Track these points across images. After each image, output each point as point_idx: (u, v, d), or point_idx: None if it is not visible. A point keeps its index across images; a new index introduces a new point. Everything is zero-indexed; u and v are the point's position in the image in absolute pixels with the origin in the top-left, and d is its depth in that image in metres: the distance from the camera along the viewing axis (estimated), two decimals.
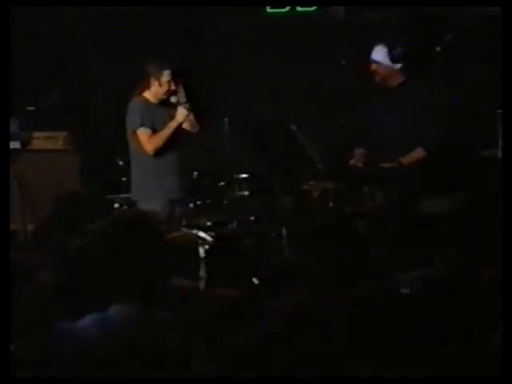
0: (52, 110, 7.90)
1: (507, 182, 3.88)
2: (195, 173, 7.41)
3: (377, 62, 6.88)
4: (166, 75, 6.95)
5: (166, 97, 7.04)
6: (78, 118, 8.10)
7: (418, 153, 6.83)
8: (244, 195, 7.22)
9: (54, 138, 7.75)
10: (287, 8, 8.07)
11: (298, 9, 8.03)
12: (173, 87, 6.98)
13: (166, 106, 7.01)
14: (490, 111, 7.31)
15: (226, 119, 7.11)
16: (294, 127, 7.09)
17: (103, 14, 8.14)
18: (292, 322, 2.87)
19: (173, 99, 7.12)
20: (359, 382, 2.61)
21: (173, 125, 6.86)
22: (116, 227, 3.26)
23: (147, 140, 6.85)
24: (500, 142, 7.22)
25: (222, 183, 7.24)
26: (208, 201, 7.24)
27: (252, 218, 7.02)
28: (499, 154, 7.21)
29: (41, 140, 7.65)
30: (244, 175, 7.20)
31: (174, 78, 7.04)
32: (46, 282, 3.45)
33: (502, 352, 2.71)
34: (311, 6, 8.09)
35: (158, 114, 6.94)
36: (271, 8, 8.14)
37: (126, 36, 8.23)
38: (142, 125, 6.81)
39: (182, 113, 6.92)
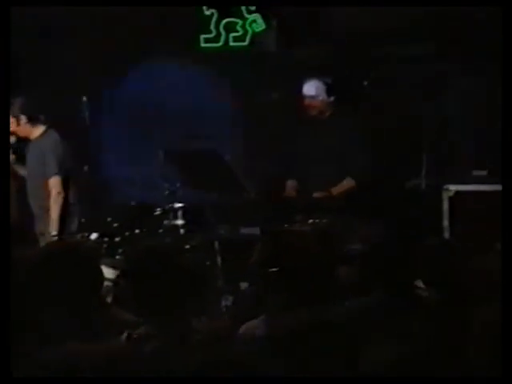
0: None
1: (507, 182, 3.99)
2: (132, 202, 7.49)
3: (311, 96, 7.04)
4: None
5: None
6: None
7: (348, 182, 6.98)
8: (178, 224, 7.20)
9: None
10: (221, 43, 8.19)
11: (231, 44, 8.16)
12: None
13: None
14: (416, 143, 7.53)
15: (161, 152, 7.13)
16: (227, 158, 7.11)
17: None
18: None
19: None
20: (359, 382, 2.60)
21: None
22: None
23: None
24: (423, 172, 7.49)
25: (157, 212, 7.19)
26: (144, 229, 7.17)
27: (187, 247, 6.95)
28: (423, 184, 7.49)
29: None
30: (179, 204, 7.18)
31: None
32: None
33: (502, 352, 2.67)
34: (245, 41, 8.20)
35: None
36: (205, 43, 8.23)
37: None
38: None
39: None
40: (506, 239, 3.63)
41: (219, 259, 6.83)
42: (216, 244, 6.89)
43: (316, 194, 7.01)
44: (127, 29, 8.08)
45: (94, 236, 7.08)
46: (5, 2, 4.56)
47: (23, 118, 7.34)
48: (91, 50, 8.33)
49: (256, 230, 6.97)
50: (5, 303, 3.12)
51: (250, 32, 8.24)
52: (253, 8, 8.18)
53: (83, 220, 7.43)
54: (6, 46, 4.47)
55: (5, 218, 3.97)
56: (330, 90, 7.14)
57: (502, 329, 2.76)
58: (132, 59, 8.29)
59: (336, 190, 7.00)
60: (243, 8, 8.17)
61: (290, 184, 7.18)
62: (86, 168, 7.58)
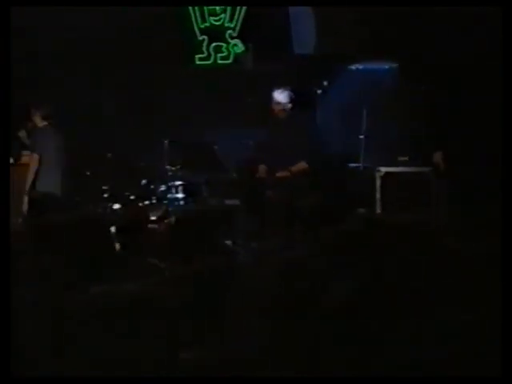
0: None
1: (507, 184, 3.69)
2: (144, 180, 8.10)
3: (278, 102, 7.67)
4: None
5: None
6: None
7: (302, 164, 7.60)
8: (179, 197, 7.86)
9: None
10: (211, 61, 9.05)
11: (219, 61, 9.03)
12: None
13: None
14: (355, 136, 8.24)
15: (166, 141, 7.92)
16: (215, 147, 7.97)
17: None
18: None
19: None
20: (359, 382, 2.37)
21: None
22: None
23: None
24: (361, 157, 8.12)
25: (162, 188, 7.92)
26: (153, 201, 7.83)
27: (185, 213, 6.87)
28: (361, 166, 8.20)
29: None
30: (179, 182, 7.89)
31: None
32: None
33: (502, 352, 2.44)
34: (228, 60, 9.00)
35: None
36: (199, 61, 9.10)
37: None
38: None
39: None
40: (506, 239, 3.16)
41: (208, 222, 6.52)
42: (207, 211, 6.58)
43: (279, 174, 7.57)
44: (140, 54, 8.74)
45: (116, 206, 7.79)
46: (5, 2, 4.12)
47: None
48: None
49: (236, 202, 7.60)
50: (5, 303, 2.75)
51: (232, 53, 9.14)
52: (235, 34, 9.08)
53: (108, 194, 7.88)
54: (6, 46, 4.03)
55: (5, 217, 3.40)
56: (291, 97, 7.64)
57: (502, 329, 2.51)
58: (145, 72, 8.84)
59: (293, 170, 7.54)
60: (227, 34, 9.08)
61: (262, 167, 7.77)
62: (109, 155, 8.35)
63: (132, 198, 7.93)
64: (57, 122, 7.97)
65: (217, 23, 9.11)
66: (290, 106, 7.69)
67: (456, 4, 7.44)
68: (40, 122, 8.00)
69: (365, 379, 2.36)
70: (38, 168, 7.90)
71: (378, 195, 7.99)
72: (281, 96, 7.70)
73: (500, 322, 2.52)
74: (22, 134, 8.10)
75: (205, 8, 9.07)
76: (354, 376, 2.36)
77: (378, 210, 7.87)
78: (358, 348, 2.44)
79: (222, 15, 9.08)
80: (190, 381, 2.35)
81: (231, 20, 9.10)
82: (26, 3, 7.64)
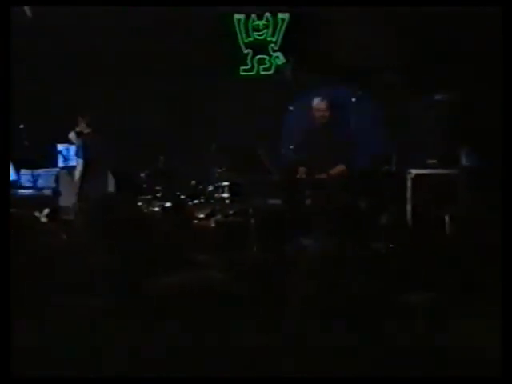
0: None
1: (507, 186, 3.58)
2: (193, 181, 8.52)
3: (316, 109, 7.99)
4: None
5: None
6: None
7: (340, 167, 7.91)
8: (225, 196, 8.18)
9: None
10: (254, 72, 9.43)
11: (261, 72, 9.41)
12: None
13: None
14: (389, 141, 8.54)
15: (214, 145, 8.27)
16: (260, 151, 8.09)
17: None
18: None
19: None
20: (359, 382, 2.27)
21: None
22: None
23: None
24: (394, 160, 8.31)
25: (210, 188, 8.29)
26: (202, 200, 8.25)
27: (230, 212, 7.79)
28: (393, 169, 8.41)
29: None
30: (225, 183, 8.19)
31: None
32: None
33: (502, 352, 2.35)
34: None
35: None
36: (243, 72, 9.48)
37: None
38: None
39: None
40: (506, 239, 3.06)
41: (252, 221, 6.85)
42: (250, 210, 7.23)
43: (318, 176, 7.81)
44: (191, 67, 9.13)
45: (167, 204, 8.10)
46: (5, 2, 4.02)
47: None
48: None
49: (278, 201, 7.81)
50: (5, 304, 2.64)
51: (274, 64, 9.52)
52: (276, 47, 9.47)
53: (160, 194, 8.31)
54: (6, 46, 3.92)
55: (4, 217, 3.27)
56: (328, 105, 7.96)
57: (502, 329, 2.43)
58: (195, 82, 9.15)
59: (332, 172, 7.82)
60: (269, 48, 9.48)
61: (301, 169, 7.99)
62: (162, 158, 8.73)
63: (182, 197, 8.36)
64: (102, 130, 8.45)
65: (260, 38, 9.55)
66: (327, 112, 7.95)
67: (456, 4, 7.58)
68: (85, 129, 8.53)
69: (365, 379, 2.25)
70: (83, 172, 8.42)
71: (408, 194, 8.14)
72: (319, 103, 7.98)
73: None
74: (72, 135, 8.60)
75: (249, 24, 9.51)
76: (353, 376, 2.25)
77: (409, 210, 8.04)
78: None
79: (265, 30, 9.52)
80: (190, 381, 2.24)
81: (273, 35, 9.51)
82: (26, 3, 7.88)
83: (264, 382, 2.23)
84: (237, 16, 9.45)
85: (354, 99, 8.72)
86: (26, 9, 8.37)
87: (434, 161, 8.40)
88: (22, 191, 8.63)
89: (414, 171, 8.21)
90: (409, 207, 8.10)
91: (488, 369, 2.24)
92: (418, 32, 8.43)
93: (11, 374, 2.34)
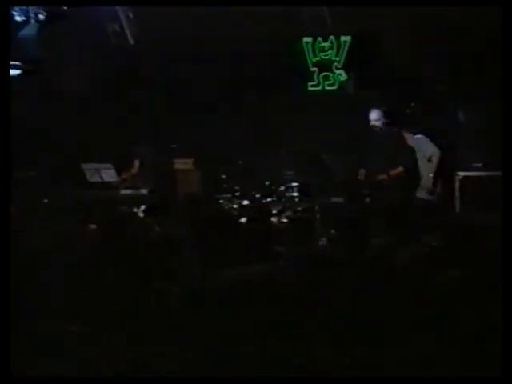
0: None
1: (507, 187, 3.46)
2: (267, 182, 9.19)
3: (374, 120, 8.47)
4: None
5: None
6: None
7: (399, 168, 8.35)
8: (294, 195, 8.72)
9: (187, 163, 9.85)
10: (320, 87, 10.05)
11: (326, 88, 10.03)
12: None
13: None
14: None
15: (285, 150, 8.98)
16: (324, 156, 8.81)
17: None
18: None
19: None
20: (360, 382, 2.14)
21: None
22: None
23: None
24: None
25: (282, 188, 8.87)
26: (274, 198, 8.79)
27: (299, 209, 8.34)
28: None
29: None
30: (295, 183, 8.76)
31: None
32: None
33: (502, 352, 2.26)
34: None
35: None
36: (310, 87, 10.11)
37: None
38: None
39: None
40: (506, 239, 2.87)
41: (318, 216, 7.84)
42: (316, 207, 7.97)
43: (379, 176, 8.25)
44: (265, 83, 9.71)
45: (245, 202, 8.73)
46: (5, 2, 3.86)
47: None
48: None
49: (341, 200, 8.13)
50: (5, 304, 2.48)
51: (337, 81, 10.10)
52: (339, 66, 9.97)
53: (239, 193, 8.85)
54: (6, 46, 3.76)
55: (4, 216, 3.12)
56: (385, 116, 8.42)
57: (502, 329, 2.34)
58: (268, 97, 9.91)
59: (391, 173, 8.27)
60: (333, 66, 10.01)
61: (361, 171, 8.53)
62: (240, 162, 9.43)
63: (257, 196, 8.89)
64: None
65: (325, 57, 10.15)
66: (383, 123, 8.47)
67: (456, 4, 7.70)
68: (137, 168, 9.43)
69: (365, 379, 2.13)
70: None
71: (456, 194, 8.61)
72: (376, 115, 8.54)
73: None
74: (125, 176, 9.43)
75: (316, 46, 10.16)
76: (353, 376, 2.12)
77: (457, 209, 8.44)
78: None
79: (330, 51, 10.12)
80: (190, 381, 2.12)
81: (337, 55, 10.10)
82: (26, 3, 7.67)
83: (264, 382, 2.13)
84: (305, 39, 10.12)
85: (408, 111, 9.23)
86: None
87: (480, 164, 8.75)
88: (123, 191, 9.35)
89: (461, 173, 8.62)
90: (457, 207, 8.47)
91: None
92: (469, 43, 8.67)
93: (11, 374, 2.26)
